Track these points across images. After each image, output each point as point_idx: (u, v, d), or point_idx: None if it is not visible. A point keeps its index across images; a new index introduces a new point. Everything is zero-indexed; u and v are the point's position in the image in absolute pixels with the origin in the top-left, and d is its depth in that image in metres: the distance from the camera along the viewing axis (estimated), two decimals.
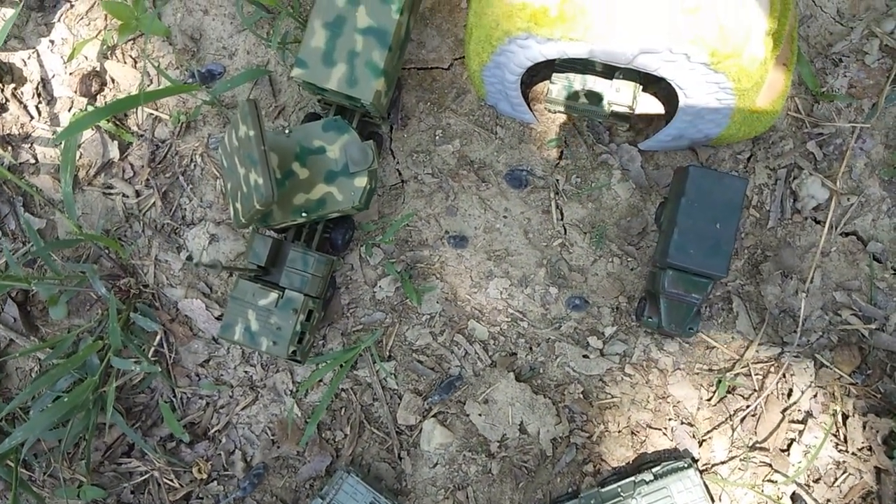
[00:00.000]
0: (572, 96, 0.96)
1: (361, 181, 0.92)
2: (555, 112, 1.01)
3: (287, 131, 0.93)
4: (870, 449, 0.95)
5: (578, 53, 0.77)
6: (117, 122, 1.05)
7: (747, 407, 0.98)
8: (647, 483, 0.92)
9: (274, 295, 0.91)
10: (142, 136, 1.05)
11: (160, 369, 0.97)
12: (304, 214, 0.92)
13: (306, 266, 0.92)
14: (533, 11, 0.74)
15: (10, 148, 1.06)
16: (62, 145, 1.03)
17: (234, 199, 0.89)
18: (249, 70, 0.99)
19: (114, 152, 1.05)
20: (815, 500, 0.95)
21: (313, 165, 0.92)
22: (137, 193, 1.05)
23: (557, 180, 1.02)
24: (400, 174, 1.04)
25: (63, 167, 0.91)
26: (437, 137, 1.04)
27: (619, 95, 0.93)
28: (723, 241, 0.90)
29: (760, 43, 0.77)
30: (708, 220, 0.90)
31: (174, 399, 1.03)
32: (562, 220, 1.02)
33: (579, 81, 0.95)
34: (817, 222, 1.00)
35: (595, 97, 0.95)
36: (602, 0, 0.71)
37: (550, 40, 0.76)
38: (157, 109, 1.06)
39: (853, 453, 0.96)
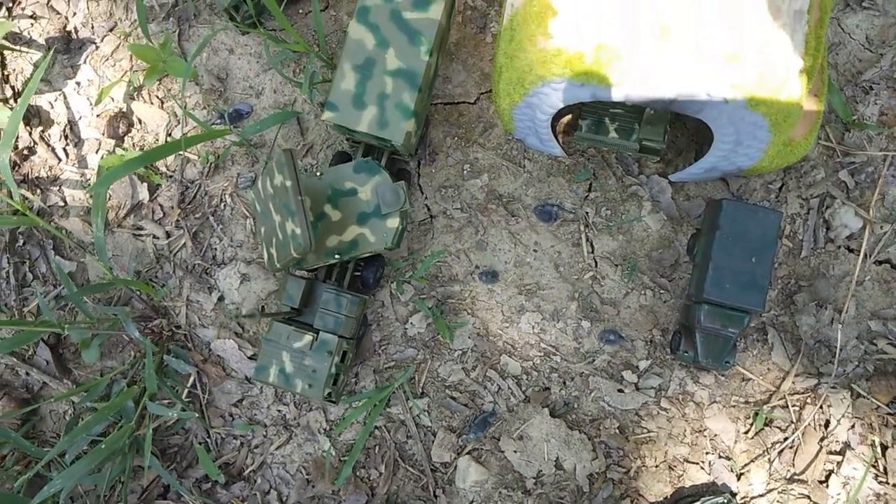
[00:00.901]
0: (602, 132, 0.95)
1: (394, 222, 0.91)
2: (584, 146, 1.01)
3: (318, 173, 0.93)
4: None
5: (614, 98, 0.76)
6: (146, 165, 1.05)
7: (785, 439, 0.97)
8: None
9: (308, 337, 0.91)
10: (171, 176, 1.05)
11: (196, 414, 0.97)
12: (337, 256, 0.92)
13: (340, 307, 0.92)
14: (568, 58, 0.73)
15: (38, 191, 1.07)
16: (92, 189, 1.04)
17: (268, 244, 0.89)
18: (278, 112, 0.99)
19: (143, 194, 1.05)
20: None
21: (345, 207, 0.92)
22: (168, 234, 1.05)
23: (587, 213, 1.02)
24: (429, 209, 1.04)
25: (94, 212, 0.92)
26: (466, 172, 1.04)
27: (650, 130, 0.93)
28: (759, 274, 0.90)
29: (797, 82, 0.76)
30: (743, 254, 0.90)
31: (209, 440, 1.03)
32: (592, 252, 1.02)
33: (609, 117, 0.94)
34: (851, 251, 0.99)
35: (625, 132, 0.95)
36: (639, 47, 0.70)
37: (585, 85, 0.75)
38: (185, 150, 1.06)
39: (894, 485, 0.95)
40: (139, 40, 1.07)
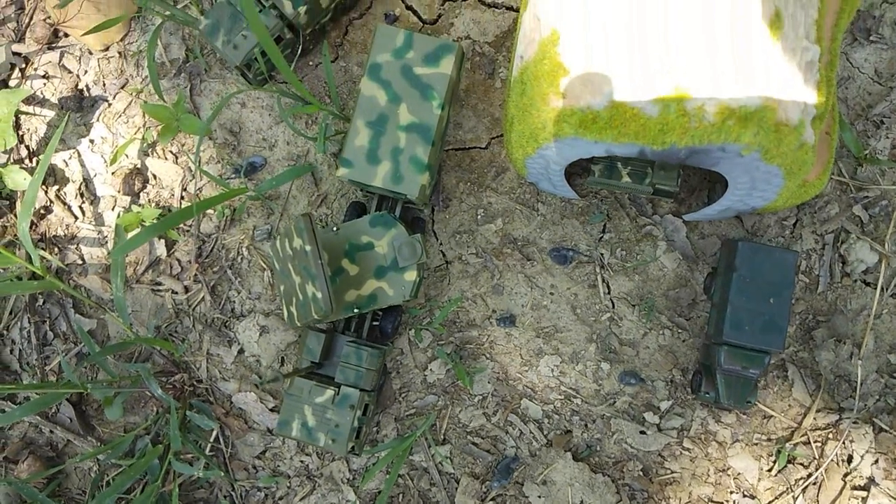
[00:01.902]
0: (615, 176, 0.95)
1: (411, 275, 0.92)
2: (597, 188, 1.01)
3: (335, 228, 0.94)
4: None
5: (628, 153, 0.77)
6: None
7: (808, 476, 0.97)
8: None
9: (330, 392, 0.92)
10: (187, 231, 1.06)
11: (221, 473, 0.97)
12: (356, 310, 0.92)
13: (360, 360, 0.92)
14: (582, 118, 0.74)
15: (56, 249, 1.08)
16: (110, 245, 1.04)
17: (288, 302, 0.90)
18: (292, 168, 1.00)
19: (160, 250, 1.06)
20: None
21: (363, 261, 0.93)
22: (186, 289, 1.06)
23: (602, 254, 1.02)
24: (444, 255, 1.04)
25: (113, 276, 0.92)
26: (479, 217, 1.04)
27: (663, 175, 0.93)
28: (777, 315, 0.91)
29: (811, 130, 0.77)
30: (761, 295, 0.91)
31: (233, 493, 1.03)
32: (609, 293, 1.02)
33: (622, 162, 0.95)
34: (867, 284, 0.99)
35: (638, 177, 0.95)
36: (654, 106, 0.71)
37: (600, 142, 0.76)
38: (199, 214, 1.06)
39: None
40: (151, 97, 1.08)
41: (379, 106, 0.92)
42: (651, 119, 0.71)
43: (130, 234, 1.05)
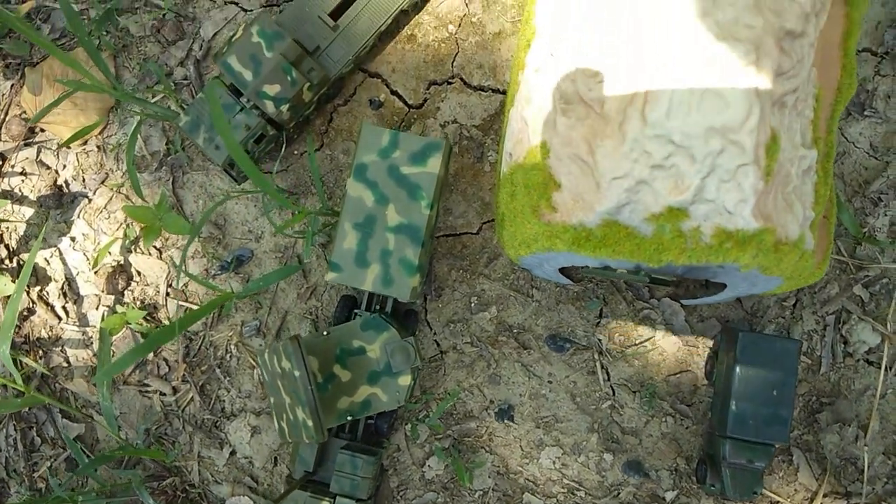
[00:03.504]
0: (611, 268, 0.93)
1: (406, 380, 0.90)
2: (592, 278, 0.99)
3: (325, 332, 0.91)
4: None
5: (624, 267, 0.75)
6: (148, 318, 1.03)
7: None
8: None
9: (325, 503, 0.89)
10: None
11: None
12: (349, 417, 0.90)
13: (355, 469, 0.90)
14: (575, 236, 0.72)
15: (41, 352, 1.05)
16: (95, 346, 1.02)
17: (279, 416, 0.87)
18: (281, 269, 0.98)
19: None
20: None
21: (355, 367, 0.90)
22: (175, 390, 1.03)
23: (600, 340, 1.00)
24: (438, 345, 1.02)
25: (99, 385, 0.90)
26: (473, 305, 1.02)
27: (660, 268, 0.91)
28: (781, 407, 0.89)
29: (810, 235, 0.75)
30: (764, 387, 0.89)
31: None
32: (609, 380, 1.00)
33: None
34: (871, 364, 0.97)
35: (634, 268, 0.93)
36: (650, 225, 0.69)
37: (594, 257, 0.74)
38: (187, 300, 1.04)
39: None
40: (132, 192, 1.05)
41: (366, 207, 0.89)
42: (646, 239, 0.69)
43: (115, 337, 1.03)
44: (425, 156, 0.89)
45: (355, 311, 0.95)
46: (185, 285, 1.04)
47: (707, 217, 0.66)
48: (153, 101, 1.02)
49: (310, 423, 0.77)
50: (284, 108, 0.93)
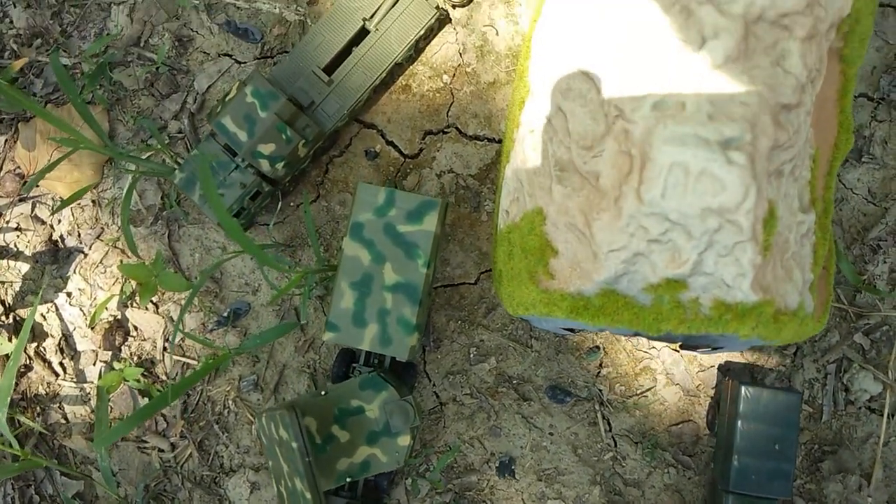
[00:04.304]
0: None
1: (405, 440, 0.89)
2: None
3: (323, 392, 0.90)
4: None
5: (624, 334, 0.74)
6: (146, 374, 1.03)
7: None
8: None
9: None
10: (171, 384, 1.02)
11: None
12: (348, 479, 0.89)
13: None
14: (573, 304, 0.71)
15: (39, 409, 1.04)
16: (93, 402, 1.01)
17: (277, 481, 0.86)
18: (278, 326, 0.97)
19: None
20: None
21: (353, 427, 0.90)
22: (173, 446, 1.02)
23: (601, 390, 0.99)
24: (438, 397, 1.01)
25: (98, 448, 0.89)
26: (472, 356, 1.01)
27: None
28: (784, 461, 0.88)
29: (810, 296, 0.74)
30: (767, 442, 0.88)
31: None
32: (610, 431, 0.99)
33: None
34: (873, 411, 0.97)
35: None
36: (648, 295, 0.68)
37: (594, 324, 0.73)
38: (184, 355, 1.03)
39: None
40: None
41: (363, 266, 0.89)
42: (645, 308, 0.69)
43: (113, 394, 1.02)
44: (421, 214, 0.88)
45: (354, 364, 0.94)
46: (183, 339, 1.03)
47: (705, 289, 0.66)
48: (147, 156, 1.01)
49: (308, 495, 0.76)
50: (280, 165, 0.92)
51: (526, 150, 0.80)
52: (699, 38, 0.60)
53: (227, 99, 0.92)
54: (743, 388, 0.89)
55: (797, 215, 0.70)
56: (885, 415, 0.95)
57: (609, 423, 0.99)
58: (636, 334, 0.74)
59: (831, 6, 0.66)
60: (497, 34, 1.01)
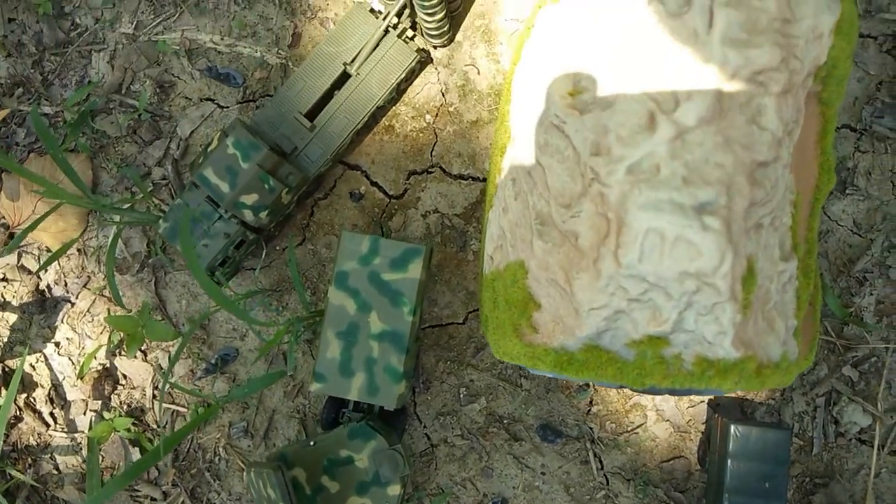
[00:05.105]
0: None
1: (395, 489, 0.89)
2: None
3: (312, 442, 0.90)
4: None
5: (609, 387, 0.74)
6: (136, 423, 1.03)
7: None
8: None
9: None
10: (161, 433, 1.02)
11: None
12: None
13: None
14: (556, 359, 0.71)
15: (30, 460, 1.04)
16: (85, 452, 1.01)
17: None
18: (266, 375, 0.97)
19: (136, 455, 1.02)
20: None
21: (343, 477, 0.89)
22: (165, 495, 1.02)
23: (591, 428, 0.99)
24: (429, 438, 1.01)
25: None
26: (462, 396, 1.01)
27: None
28: (774, 499, 0.88)
29: (794, 344, 0.74)
30: (757, 479, 0.88)
31: None
32: (602, 469, 0.99)
33: None
34: (863, 443, 0.97)
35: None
36: (631, 350, 0.68)
37: (579, 378, 0.73)
38: (174, 403, 1.03)
39: None
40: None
41: (349, 315, 0.89)
42: (628, 363, 0.69)
43: (104, 444, 1.02)
44: (406, 261, 0.88)
45: (343, 410, 0.94)
46: (172, 387, 1.03)
47: (687, 345, 0.66)
48: (130, 205, 1.01)
49: None
50: (263, 214, 0.92)
51: (507, 198, 0.80)
52: (673, 101, 0.60)
53: (208, 150, 0.92)
54: (732, 427, 0.89)
55: (778, 265, 0.70)
56: (876, 446, 0.95)
57: (601, 461, 0.99)
58: (621, 387, 0.74)
59: (807, 57, 0.66)
60: (478, 73, 1.01)
